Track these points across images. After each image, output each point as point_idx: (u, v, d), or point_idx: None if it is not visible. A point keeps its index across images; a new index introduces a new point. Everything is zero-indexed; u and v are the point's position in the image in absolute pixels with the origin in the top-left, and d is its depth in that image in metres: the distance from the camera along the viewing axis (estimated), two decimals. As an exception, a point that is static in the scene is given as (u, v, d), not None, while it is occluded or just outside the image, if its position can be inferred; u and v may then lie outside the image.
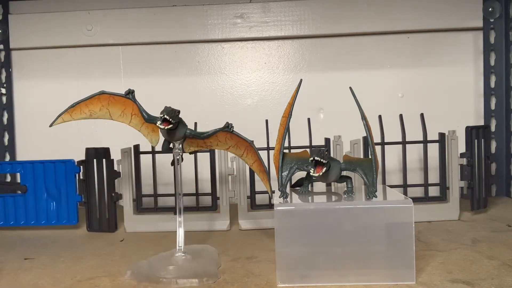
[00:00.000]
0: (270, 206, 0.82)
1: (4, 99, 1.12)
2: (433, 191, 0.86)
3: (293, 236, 0.54)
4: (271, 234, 0.55)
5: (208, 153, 0.83)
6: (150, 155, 0.85)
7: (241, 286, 0.54)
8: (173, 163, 0.63)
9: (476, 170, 0.85)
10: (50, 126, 0.62)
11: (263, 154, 0.72)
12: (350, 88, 0.60)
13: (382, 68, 1.08)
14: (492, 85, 1.05)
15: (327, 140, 0.84)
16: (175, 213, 0.64)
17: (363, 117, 0.58)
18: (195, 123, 0.83)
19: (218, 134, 0.62)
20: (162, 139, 0.62)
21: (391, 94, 1.08)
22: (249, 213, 0.83)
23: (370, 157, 0.59)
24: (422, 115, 0.86)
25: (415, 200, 0.56)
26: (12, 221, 0.85)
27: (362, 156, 0.82)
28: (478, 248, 0.66)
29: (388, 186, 0.70)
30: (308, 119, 0.88)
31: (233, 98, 1.10)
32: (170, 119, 0.56)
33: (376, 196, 0.56)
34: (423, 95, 1.07)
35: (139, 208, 0.85)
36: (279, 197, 0.58)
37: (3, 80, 1.12)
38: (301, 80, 0.61)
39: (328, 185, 0.75)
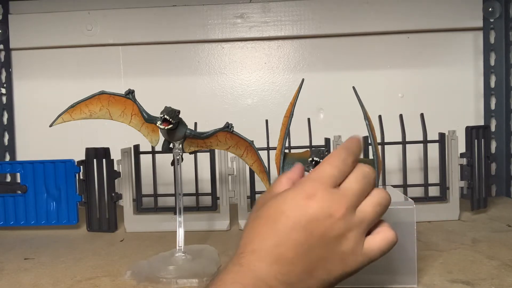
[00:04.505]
0: (270, 206, 0.82)
1: (4, 99, 1.12)
2: (433, 191, 0.86)
3: (293, 236, 0.54)
4: (271, 234, 0.55)
5: (208, 153, 0.83)
6: (150, 155, 0.85)
7: (241, 286, 0.54)
8: (173, 163, 0.63)
9: (476, 170, 0.85)
10: (50, 126, 0.62)
11: (263, 154, 0.72)
12: (354, 88, 0.59)
13: (382, 68, 1.08)
14: (492, 85, 1.05)
15: (327, 140, 0.84)
16: (175, 213, 0.64)
17: (366, 117, 0.57)
18: (195, 123, 0.83)
19: (218, 134, 0.62)
20: (162, 139, 0.62)
21: (391, 94, 1.08)
22: (249, 213, 0.83)
23: (372, 157, 0.59)
24: (422, 115, 0.86)
25: (415, 200, 0.55)
26: (12, 221, 0.85)
27: (362, 156, 0.82)
28: (478, 248, 0.66)
29: (391, 186, 0.70)
30: (308, 119, 0.88)
31: (233, 98, 1.10)
32: (170, 119, 0.56)
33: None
34: (423, 95, 1.07)
35: (139, 208, 0.85)
36: (279, 197, 0.58)
37: (3, 80, 1.12)
38: (303, 80, 0.60)
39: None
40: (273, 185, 0.43)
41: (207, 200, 0.86)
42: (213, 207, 0.84)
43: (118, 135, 0.97)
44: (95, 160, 0.83)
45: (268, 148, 0.85)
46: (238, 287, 0.34)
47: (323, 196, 0.37)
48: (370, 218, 0.39)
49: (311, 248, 0.36)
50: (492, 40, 1.05)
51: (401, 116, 0.86)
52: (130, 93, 0.60)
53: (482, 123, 1.06)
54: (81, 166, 0.84)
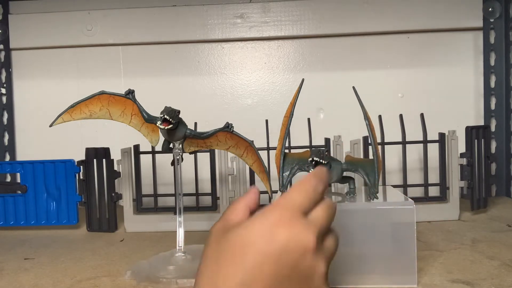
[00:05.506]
0: (270, 206, 0.82)
1: (4, 99, 1.12)
2: (433, 191, 0.86)
3: (293, 236, 0.54)
4: (271, 234, 0.55)
5: (208, 153, 0.83)
6: (150, 155, 0.85)
7: (241, 286, 0.54)
8: (173, 163, 0.63)
9: (476, 170, 0.85)
10: (50, 126, 0.62)
11: (263, 154, 0.72)
12: (354, 88, 0.59)
13: (382, 68, 1.08)
14: (492, 85, 1.05)
15: (327, 140, 0.84)
16: (175, 213, 0.64)
17: (366, 117, 0.57)
18: (195, 123, 0.83)
19: (218, 134, 0.62)
20: (162, 139, 0.62)
21: (391, 94, 1.08)
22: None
23: (372, 157, 0.59)
24: (422, 115, 0.86)
25: (415, 200, 0.55)
26: (12, 221, 0.85)
27: (362, 156, 0.82)
28: (478, 248, 0.66)
29: (391, 186, 0.70)
30: (308, 119, 0.88)
31: (233, 98, 1.10)
32: (170, 119, 0.56)
33: (377, 197, 0.56)
34: (423, 95, 1.07)
35: (139, 208, 0.85)
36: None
37: (3, 80, 1.12)
38: (303, 80, 0.61)
39: (329, 185, 0.75)
40: (227, 213, 0.38)
41: (207, 200, 0.86)
42: (213, 207, 0.84)
43: (118, 135, 0.97)
44: (95, 160, 0.83)
45: (268, 148, 0.85)
46: None
47: (293, 225, 0.34)
48: (332, 252, 0.37)
49: (282, 283, 0.33)
50: (492, 40, 1.05)
51: (401, 116, 0.86)
52: (130, 93, 0.60)
53: (482, 123, 1.06)
54: (81, 166, 0.84)
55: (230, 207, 0.38)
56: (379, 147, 0.84)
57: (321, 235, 0.36)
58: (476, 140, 0.86)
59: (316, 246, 0.34)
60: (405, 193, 0.83)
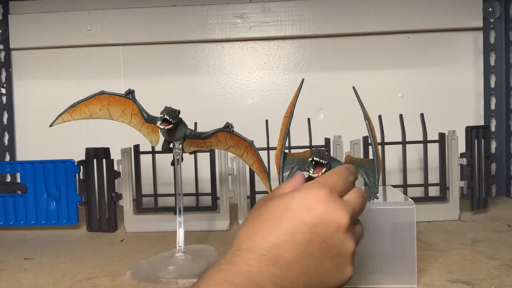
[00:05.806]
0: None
1: (4, 99, 1.12)
2: (433, 191, 0.86)
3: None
4: (271, 234, 0.55)
5: (208, 153, 0.83)
6: (150, 155, 0.85)
7: (241, 286, 0.54)
8: (173, 163, 0.63)
9: (476, 170, 0.85)
10: (50, 126, 0.62)
11: (263, 154, 0.72)
12: (354, 88, 0.59)
13: (382, 68, 1.08)
14: (492, 85, 1.05)
15: (327, 140, 0.84)
16: (175, 213, 0.64)
17: (366, 117, 0.57)
18: (195, 123, 0.83)
19: (218, 134, 0.62)
20: (162, 139, 0.62)
21: (391, 94, 1.08)
22: (248, 211, 0.83)
23: (372, 157, 0.59)
24: (422, 115, 0.86)
25: (415, 200, 0.55)
26: (12, 221, 0.85)
27: (362, 156, 0.82)
28: (478, 248, 0.66)
29: (391, 186, 0.70)
30: (308, 119, 0.88)
31: (233, 98, 1.10)
32: (170, 119, 0.56)
33: (377, 197, 0.56)
34: (423, 95, 1.07)
35: (139, 208, 0.85)
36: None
37: (3, 80, 1.12)
38: (303, 80, 0.60)
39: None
40: (276, 190, 0.42)
41: (207, 200, 0.86)
42: (213, 207, 0.84)
43: (118, 135, 0.97)
44: (95, 160, 0.83)
45: (268, 148, 0.85)
46: (226, 287, 0.33)
47: (330, 201, 0.37)
48: (360, 236, 0.41)
49: (311, 254, 0.36)
50: (492, 40, 1.05)
51: (401, 116, 0.86)
52: (130, 93, 0.60)
53: (482, 123, 1.06)
54: (81, 166, 0.84)
55: (279, 186, 0.43)
56: (379, 147, 0.83)
57: (355, 217, 0.39)
58: (476, 140, 0.86)
59: (349, 225, 0.38)
60: (405, 193, 0.83)
